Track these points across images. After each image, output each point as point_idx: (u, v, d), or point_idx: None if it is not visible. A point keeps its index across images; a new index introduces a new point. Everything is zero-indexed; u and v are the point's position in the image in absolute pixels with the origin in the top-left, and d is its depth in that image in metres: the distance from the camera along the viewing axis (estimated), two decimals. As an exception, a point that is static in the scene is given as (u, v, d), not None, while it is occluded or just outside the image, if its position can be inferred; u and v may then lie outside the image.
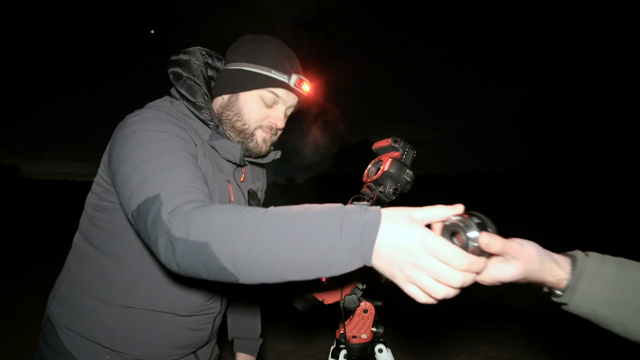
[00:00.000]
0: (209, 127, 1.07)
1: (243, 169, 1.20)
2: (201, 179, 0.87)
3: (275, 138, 1.17)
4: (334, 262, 0.61)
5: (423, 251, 0.58)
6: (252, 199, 1.19)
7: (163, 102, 1.09)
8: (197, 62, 1.10)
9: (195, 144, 1.00)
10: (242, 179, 1.19)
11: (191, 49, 1.12)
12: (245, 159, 1.13)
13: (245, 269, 0.66)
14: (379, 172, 1.12)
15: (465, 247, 0.64)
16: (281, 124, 1.12)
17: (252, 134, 1.10)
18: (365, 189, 1.17)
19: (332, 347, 1.28)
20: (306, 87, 1.10)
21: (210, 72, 1.14)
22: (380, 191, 1.10)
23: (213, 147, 1.07)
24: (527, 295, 5.75)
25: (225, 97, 1.10)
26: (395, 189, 1.10)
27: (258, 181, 1.31)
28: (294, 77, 1.08)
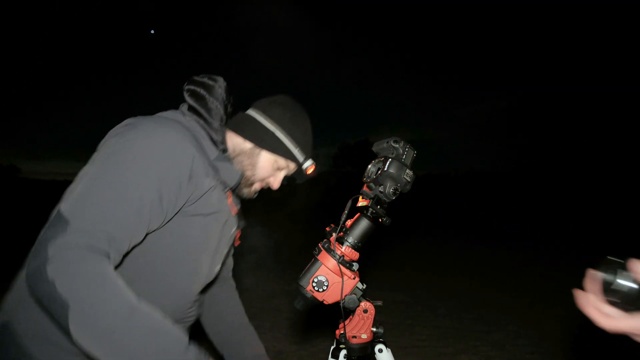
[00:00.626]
0: (217, 148, 1.14)
1: (229, 192, 1.22)
2: (128, 234, 0.89)
3: None
4: None
5: None
6: (240, 218, 1.28)
7: (175, 114, 1.12)
8: (220, 89, 1.17)
9: (192, 164, 1.01)
10: (229, 201, 1.22)
11: (217, 77, 1.19)
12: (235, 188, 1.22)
13: (87, 348, 0.77)
14: (379, 172, 1.12)
15: (613, 285, 0.62)
16: (277, 186, 1.27)
17: (252, 184, 1.23)
18: (365, 189, 1.17)
19: (332, 347, 1.28)
20: (312, 170, 1.25)
21: (225, 102, 1.21)
22: (380, 191, 1.10)
23: (215, 167, 1.12)
24: (526, 295, 5.75)
25: (248, 144, 1.20)
26: (395, 189, 1.10)
27: (239, 205, 1.36)
28: (309, 163, 1.24)
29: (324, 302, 1.11)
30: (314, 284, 1.07)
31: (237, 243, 1.35)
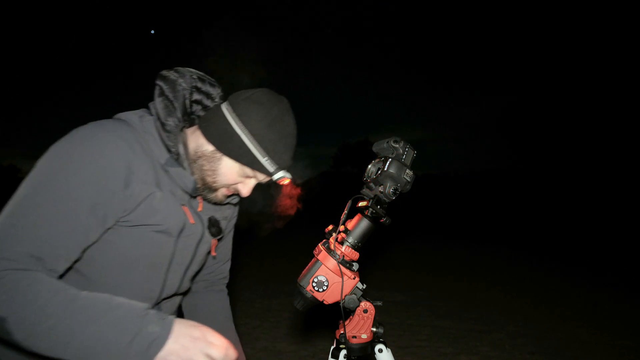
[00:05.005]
0: (169, 152, 1.03)
1: (199, 198, 1.15)
2: (57, 252, 0.87)
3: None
4: None
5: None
6: (212, 226, 1.16)
7: (133, 115, 1.04)
8: (183, 84, 1.06)
9: (127, 171, 0.94)
10: (199, 209, 1.14)
11: (182, 69, 1.09)
12: (200, 193, 1.11)
13: (37, 349, 0.77)
14: (379, 172, 1.12)
15: None
16: (246, 194, 1.11)
17: (216, 190, 1.09)
18: (365, 189, 1.17)
19: (332, 347, 1.28)
20: (285, 183, 1.10)
21: (198, 96, 1.10)
22: (380, 191, 1.10)
23: (167, 171, 1.04)
24: (526, 295, 5.74)
25: (210, 147, 1.06)
26: (396, 189, 1.10)
27: (228, 210, 1.27)
28: (280, 174, 1.07)
29: (324, 302, 1.11)
30: (314, 284, 1.07)
31: (214, 254, 1.25)
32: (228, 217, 1.29)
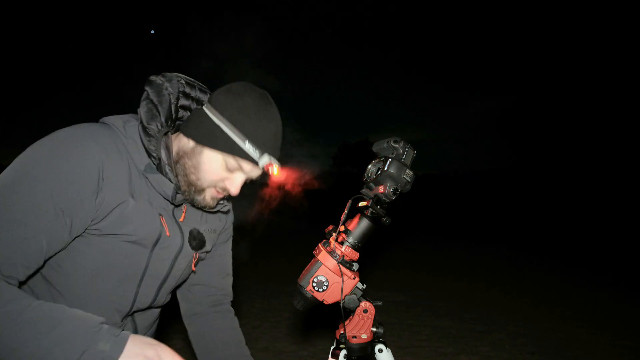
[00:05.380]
0: (151, 159, 0.99)
1: (183, 208, 1.10)
2: (17, 259, 0.83)
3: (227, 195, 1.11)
4: None
5: None
6: (193, 239, 1.12)
7: (117, 120, 1.02)
8: (169, 88, 1.03)
9: (99, 177, 0.91)
10: (181, 219, 1.10)
11: (170, 74, 1.06)
12: (184, 201, 1.07)
13: None
14: (379, 172, 1.12)
15: None
16: (235, 191, 1.05)
17: (202, 190, 1.04)
18: (365, 189, 1.17)
19: (332, 347, 1.28)
20: (274, 171, 1.03)
21: (185, 102, 1.07)
22: (380, 191, 1.11)
23: (147, 178, 1.00)
24: (526, 295, 5.74)
25: (191, 143, 1.02)
26: (396, 189, 1.10)
27: (219, 222, 1.23)
28: (265, 159, 1.00)
29: (324, 302, 1.11)
30: (314, 284, 1.07)
31: (193, 269, 1.19)
32: (217, 230, 1.23)
